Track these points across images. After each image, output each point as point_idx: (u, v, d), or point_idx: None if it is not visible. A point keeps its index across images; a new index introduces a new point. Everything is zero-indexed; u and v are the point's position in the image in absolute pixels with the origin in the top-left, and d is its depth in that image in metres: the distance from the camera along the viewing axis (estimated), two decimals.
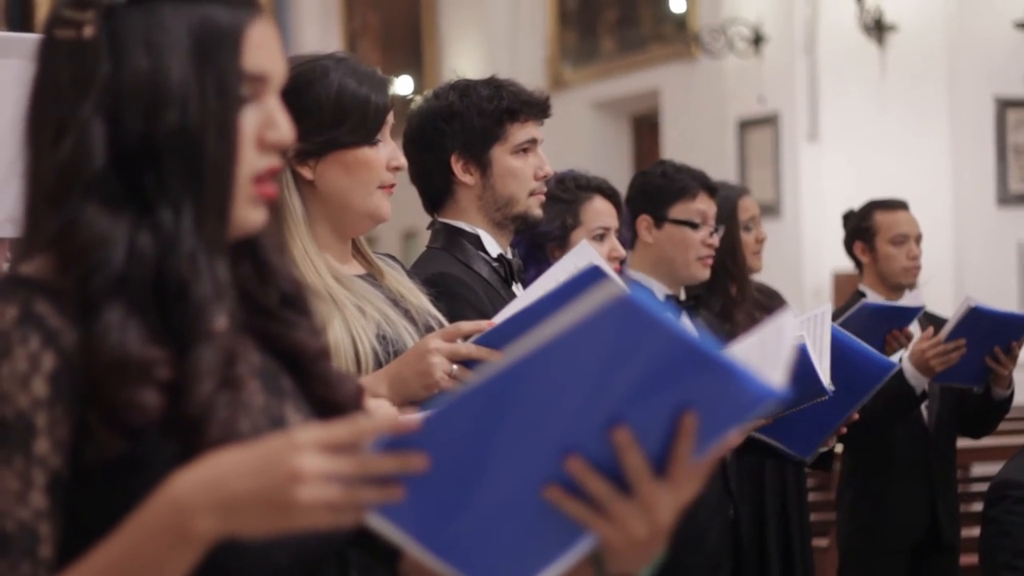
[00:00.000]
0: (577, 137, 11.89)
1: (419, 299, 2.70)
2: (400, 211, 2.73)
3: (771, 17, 10.09)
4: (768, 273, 4.96)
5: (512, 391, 1.28)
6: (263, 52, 1.52)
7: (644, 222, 4.11)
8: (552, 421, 1.32)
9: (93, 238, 1.43)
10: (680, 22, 11.24)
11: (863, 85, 9.57)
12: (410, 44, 14.68)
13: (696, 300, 4.21)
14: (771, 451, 3.76)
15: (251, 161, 1.51)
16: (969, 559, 5.04)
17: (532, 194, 3.14)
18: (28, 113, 1.51)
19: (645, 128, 12.33)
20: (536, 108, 3.15)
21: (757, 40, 10.13)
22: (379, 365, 2.53)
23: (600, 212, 3.73)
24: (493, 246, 3.13)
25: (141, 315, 1.43)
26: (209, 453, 1.36)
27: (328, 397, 1.61)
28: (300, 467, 1.29)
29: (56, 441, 1.40)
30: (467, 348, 2.44)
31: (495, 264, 3.12)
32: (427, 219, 3.23)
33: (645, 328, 1.28)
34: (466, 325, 2.49)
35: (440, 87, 3.19)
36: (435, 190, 3.16)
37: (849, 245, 5.07)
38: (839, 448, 4.82)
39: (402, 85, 13.22)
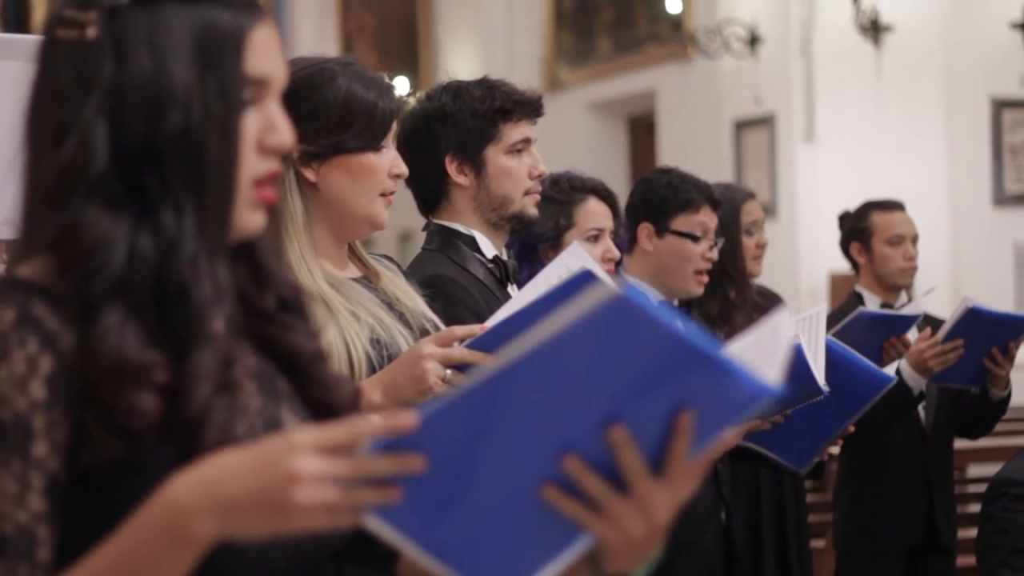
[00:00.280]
0: (573, 138, 11.90)
1: (414, 302, 2.70)
2: (396, 213, 2.73)
3: (767, 18, 10.09)
4: (764, 274, 4.95)
5: (508, 391, 1.29)
6: (265, 56, 1.52)
7: (645, 230, 4.09)
8: (548, 420, 1.32)
9: (94, 240, 1.43)
10: (676, 23, 11.24)
11: (859, 86, 9.57)
12: (406, 45, 14.68)
13: (688, 306, 4.21)
14: (765, 461, 3.76)
15: (252, 165, 1.51)
16: (966, 560, 5.05)
17: (527, 193, 3.14)
18: (28, 114, 1.51)
19: (641, 129, 12.33)
20: (529, 107, 3.15)
21: (753, 41, 10.14)
22: (373, 369, 2.53)
23: (594, 213, 3.72)
24: (488, 247, 3.14)
25: (140, 318, 1.43)
26: (206, 456, 1.36)
27: (324, 400, 1.61)
28: (297, 468, 1.29)
29: (54, 444, 1.40)
30: (460, 352, 2.45)
31: (490, 265, 3.12)
32: (423, 221, 3.23)
33: (641, 326, 1.28)
34: (459, 330, 2.49)
35: (432, 89, 3.20)
36: (430, 192, 3.16)
37: (845, 246, 5.07)
38: (835, 450, 4.83)
39: (398, 86, 13.21)
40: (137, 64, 1.46)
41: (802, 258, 9.63)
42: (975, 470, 6.87)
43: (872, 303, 4.95)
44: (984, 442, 5.72)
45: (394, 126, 2.66)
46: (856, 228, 5.01)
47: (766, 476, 4.47)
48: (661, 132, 11.45)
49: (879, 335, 4.53)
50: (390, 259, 2.83)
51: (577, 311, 1.26)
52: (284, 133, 1.53)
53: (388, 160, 2.65)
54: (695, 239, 4.05)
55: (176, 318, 1.45)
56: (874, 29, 9.47)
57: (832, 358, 3.55)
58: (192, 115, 1.46)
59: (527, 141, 3.14)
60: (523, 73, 11.71)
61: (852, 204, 5.18)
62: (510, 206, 3.13)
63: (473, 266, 3.10)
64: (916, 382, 4.50)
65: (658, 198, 4.11)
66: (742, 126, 10.37)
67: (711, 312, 4.41)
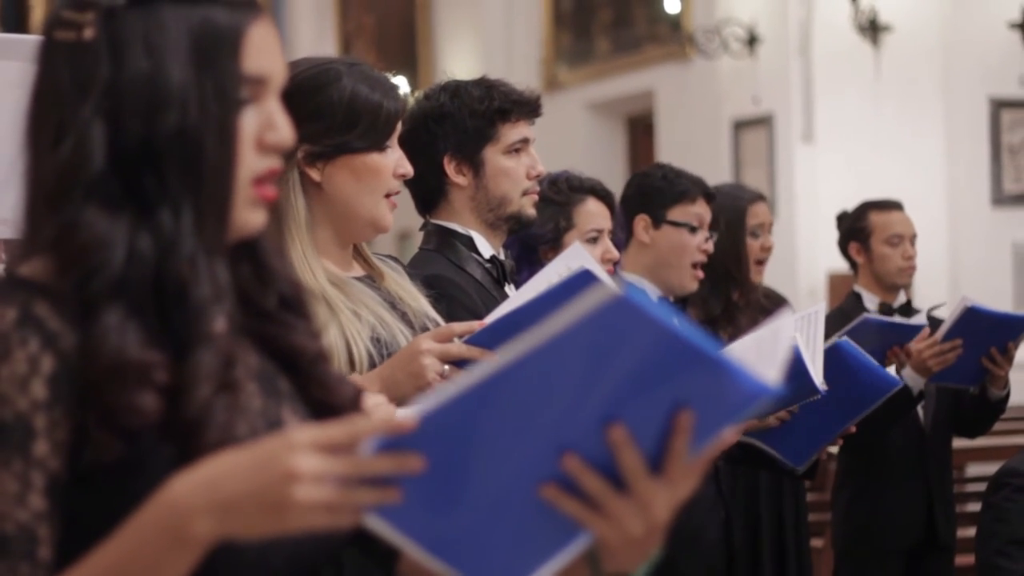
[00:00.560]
0: (572, 138, 11.90)
1: (417, 301, 2.70)
2: (394, 212, 2.73)
3: (765, 18, 10.09)
4: (763, 273, 4.95)
5: (508, 391, 1.29)
6: (263, 54, 1.52)
7: (642, 221, 4.10)
8: (548, 420, 1.32)
9: (92, 240, 1.43)
10: (674, 23, 11.24)
11: (858, 86, 9.58)
12: (405, 45, 14.68)
13: (683, 303, 4.21)
14: (763, 462, 3.77)
15: (251, 163, 1.51)
16: (965, 559, 5.05)
17: (525, 194, 3.15)
18: (28, 115, 1.51)
19: (640, 129, 12.33)
20: (527, 107, 3.15)
21: (752, 41, 10.14)
22: (373, 368, 2.53)
23: (593, 214, 3.72)
24: (486, 247, 3.14)
25: (140, 317, 1.43)
26: (207, 456, 1.36)
27: (326, 400, 1.61)
28: (296, 467, 1.29)
29: (55, 443, 1.40)
30: (458, 348, 2.45)
31: (488, 265, 3.12)
32: (420, 220, 3.23)
33: (640, 326, 1.28)
34: (458, 326, 2.49)
35: (431, 88, 3.20)
36: (428, 191, 3.16)
37: (844, 246, 5.07)
38: (834, 449, 4.83)
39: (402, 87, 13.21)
40: (133, 65, 1.46)
41: (801, 258, 9.63)
42: (974, 469, 6.88)
43: (871, 303, 4.95)
44: (983, 441, 5.73)
45: (399, 127, 2.67)
46: (854, 228, 5.01)
47: (765, 475, 4.47)
48: (660, 132, 11.45)
49: (883, 342, 4.52)
50: (395, 259, 2.84)
51: (577, 311, 1.26)
52: (283, 131, 1.53)
53: (393, 160, 2.66)
54: (692, 229, 4.07)
55: (176, 318, 1.45)
56: (872, 29, 9.47)
57: (843, 358, 3.56)
58: (189, 115, 1.46)
59: (525, 141, 3.14)
60: (522, 73, 11.72)
61: (851, 204, 5.18)
62: (508, 206, 3.13)
63: (470, 266, 3.10)
64: (915, 382, 4.50)
65: (654, 190, 4.13)
66: (741, 126, 10.37)
67: (714, 313, 4.40)
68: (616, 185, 4.18)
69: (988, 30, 9.32)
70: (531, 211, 3.17)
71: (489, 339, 2.44)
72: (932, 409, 4.85)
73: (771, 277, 4.74)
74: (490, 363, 1.27)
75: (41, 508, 1.39)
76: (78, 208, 1.44)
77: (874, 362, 3.75)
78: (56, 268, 1.45)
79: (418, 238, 3.23)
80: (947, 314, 4.65)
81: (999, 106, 9.47)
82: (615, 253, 3.71)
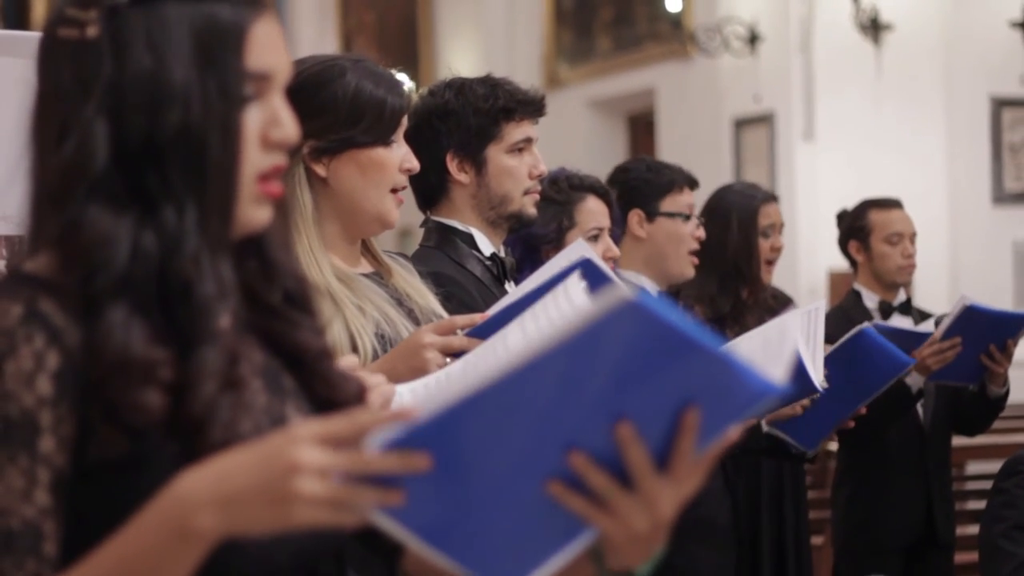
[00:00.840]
0: (573, 136, 11.89)
1: (425, 299, 2.71)
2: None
3: (767, 16, 10.09)
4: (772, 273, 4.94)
5: (518, 390, 1.29)
6: (267, 50, 1.52)
7: (636, 216, 4.12)
8: (556, 417, 1.32)
9: (96, 238, 1.43)
10: (676, 21, 11.24)
11: (859, 84, 9.58)
12: (406, 43, 14.67)
13: (676, 294, 4.24)
14: (768, 449, 3.78)
15: (255, 160, 1.51)
16: (964, 557, 5.05)
17: (527, 193, 3.15)
18: (32, 113, 1.51)
19: (641, 127, 12.33)
20: (532, 107, 3.16)
21: (753, 39, 10.14)
22: None
23: (594, 212, 3.73)
24: (486, 245, 3.14)
25: (144, 315, 1.44)
26: (211, 453, 1.36)
27: (330, 396, 1.62)
28: (299, 459, 1.29)
29: (60, 439, 1.40)
30: (460, 341, 2.45)
31: (488, 263, 3.13)
32: (421, 217, 3.23)
33: (649, 326, 1.29)
34: (460, 319, 2.49)
35: (436, 85, 3.20)
36: (430, 188, 3.16)
37: (844, 244, 5.07)
38: (834, 446, 4.83)
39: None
40: (136, 63, 1.46)
41: (801, 256, 9.63)
42: (974, 467, 6.88)
43: (870, 301, 4.96)
44: (983, 439, 5.73)
45: (404, 121, 2.68)
46: (854, 226, 5.01)
47: (767, 473, 4.47)
48: (660, 130, 11.45)
49: None
50: (405, 256, 2.84)
51: (587, 314, 1.26)
52: (288, 127, 1.53)
53: (399, 155, 2.66)
54: (686, 218, 4.10)
55: (181, 315, 1.45)
56: (874, 28, 9.47)
57: (865, 345, 3.59)
58: (192, 113, 1.46)
59: (529, 141, 3.15)
60: (523, 71, 11.72)
61: (851, 202, 5.18)
62: (509, 205, 3.13)
63: (471, 263, 3.10)
64: (914, 380, 4.50)
65: (642, 183, 4.16)
66: (741, 124, 10.37)
67: (723, 311, 4.41)
68: None
69: (989, 29, 9.32)
70: (532, 210, 3.17)
71: (492, 330, 2.45)
72: (932, 407, 4.85)
73: (772, 275, 4.74)
74: (501, 363, 1.27)
75: (46, 504, 1.40)
76: (82, 206, 1.44)
77: (892, 345, 3.78)
78: (61, 265, 1.45)
79: (419, 235, 3.23)
80: (937, 301, 4.66)
81: (1000, 105, 9.47)
82: (616, 250, 3.72)
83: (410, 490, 1.31)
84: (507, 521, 1.37)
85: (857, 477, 4.93)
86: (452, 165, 3.12)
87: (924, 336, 4.49)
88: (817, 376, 3.39)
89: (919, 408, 4.80)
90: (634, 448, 1.35)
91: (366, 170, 2.64)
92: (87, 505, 1.42)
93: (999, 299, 8.27)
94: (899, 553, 4.87)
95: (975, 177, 9.48)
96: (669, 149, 10.89)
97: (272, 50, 1.53)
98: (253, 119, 1.51)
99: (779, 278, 4.74)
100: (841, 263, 5.54)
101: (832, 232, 5.19)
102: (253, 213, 1.52)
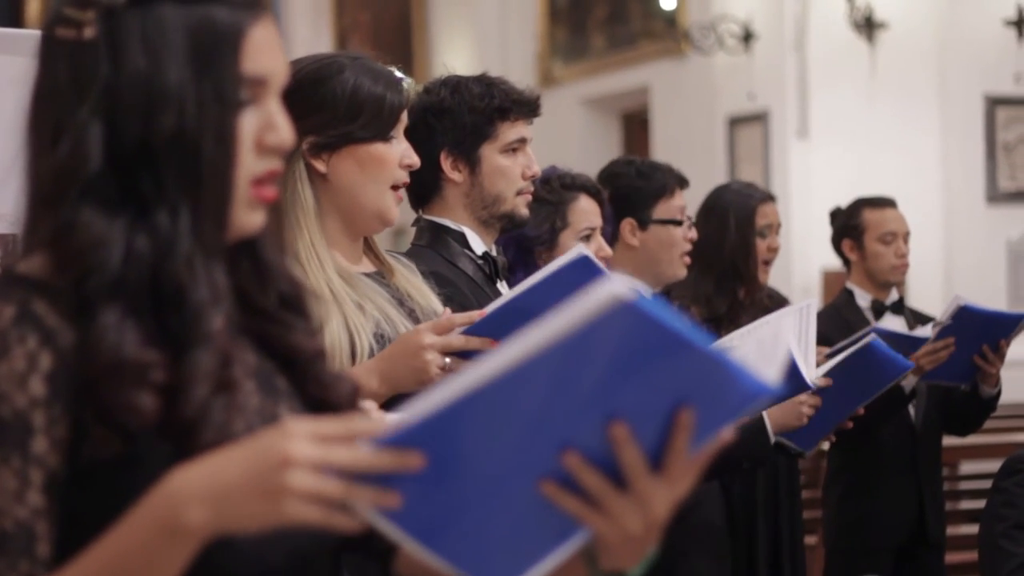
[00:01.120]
0: (567, 134, 11.89)
1: (427, 299, 2.71)
2: None
3: (761, 14, 10.09)
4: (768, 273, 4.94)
5: (511, 391, 1.29)
6: (264, 54, 1.51)
7: (628, 225, 4.10)
8: (549, 417, 1.32)
9: (89, 240, 1.43)
10: (670, 19, 11.24)
11: (853, 82, 9.57)
12: (400, 41, 14.66)
13: (667, 293, 4.24)
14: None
15: (249, 164, 1.51)
16: (955, 557, 5.07)
17: (519, 193, 3.15)
18: (28, 113, 1.51)
19: (635, 125, 12.33)
20: (527, 107, 3.16)
21: (747, 37, 10.14)
22: None
23: (586, 212, 3.73)
24: (478, 244, 3.14)
25: (138, 317, 1.44)
26: (205, 455, 1.36)
27: (323, 398, 1.62)
28: (292, 452, 1.29)
29: (53, 440, 1.40)
30: (459, 340, 2.46)
31: (480, 262, 3.13)
32: (413, 216, 3.23)
33: (643, 327, 1.29)
34: (458, 317, 2.49)
35: (431, 82, 3.19)
36: (422, 186, 3.16)
37: (837, 243, 5.07)
38: (826, 446, 4.83)
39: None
40: (131, 65, 1.46)
41: (795, 255, 9.63)
42: (967, 467, 6.89)
43: (863, 300, 4.96)
44: (976, 439, 5.74)
45: (404, 118, 2.68)
46: (848, 225, 5.01)
47: (762, 473, 4.47)
48: (655, 128, 11.45)
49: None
50: (408, 255, 2.84)
51: (579, 314, 1.26)
52: (283, 132, 1.53)
53: (399, 151, 2.67)
54: (678, 223, 4.09)
55: (174, 318, 1.45)
56: (868, 26, 9.47)
57: (872, 355, 3.60)
58: (186, 116, 1.46)
59: (523, 141, 3.14)
60: (517, 69, 11.71)
61: (845, 201, 5.17)
62: (502, 205, 3.13)
63: (463, 262, 3.10)
64: (908, 380, 4.50)
65: (633, 190, 4.12)
66: (736, 122, 10.37)
67: (719, 311, 4.39)
68: None
69: (984, 27, 9.31)
70: (524, 211, 3.17)
71: (489, 328, 2.45)
72: (923, 407, 4.85)
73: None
74: (492, 363, 1.27)
75: (40, 505, 1.40)
76: (75, 208, 1.44)
77: (892, 351, 3.80)
78: (54, 266, 1.45)
79: (411, 234, 3.23)
80: (931, 301, 4.67)
81: (994, 103, 9.47)
82: (608, 250, 3.73)
83: (404, 490, 1.31)
84: (500, 521, 1.37)
85: (848, 477, 4.93)
86: (446, 163, 3.12)
87: (921, 341, 4.49)
88: (809, 374, 3.40)
89: (911, 408, 4.80)
90: (628, 448, 1.35)
91: (365, 165, 2.64)
92: (81, 506, 1.42)
93: (993, 298, 8.27)
94: (890, 552, 4.87)
95: (969, 176, 9.48)
96: (663, 147, 10.89)
97: (268, 54, 1.52)
98: (248, 123, 1.50)
99: (773, 277, 4.73)
100: (835, 262, 5.54)
101: (826, 230, 5.18)
102: (247, 217, 1.52)
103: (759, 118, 10.11)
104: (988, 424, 5.08)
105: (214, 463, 1.33)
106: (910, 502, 4.85)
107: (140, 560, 1.34)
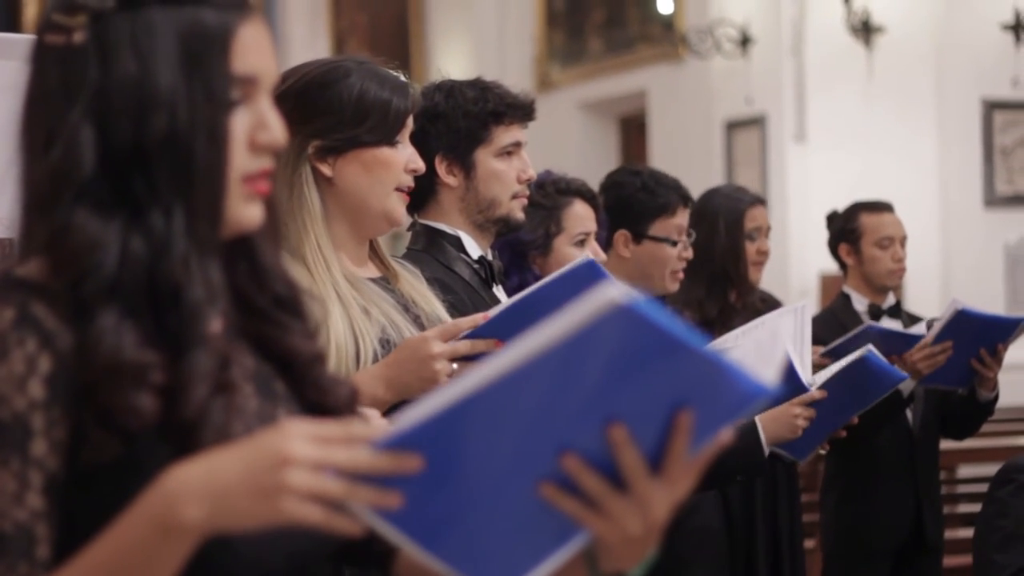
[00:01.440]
0: (564, 138, 11.90)
1: (431, 305, 2.71)
2: None
3: (758, 18, 10.09)
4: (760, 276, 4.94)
5: (510, 394, 1.29)
6: (253, 53, 1.52)
7: (622, 237, 4.07)
8: (548, 420, 1.33)
9: (84, 243, 1.44)
10: (667, 23, 11.24)
11: (850, 87, 9.58)
12: (398, 44, 14.66)
13: (663, 299, 4.23)
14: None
15: (242, 163, 1.51)
16: (953, 561, 5.06)
17: (515, 197, 3.15)
18: (21, 118, 1.52)
19: (632, 129, 12.33)
20: (521, 111, 3.16)
21: (744, 41, 10.14)
22: None
23: (581, 217, 3.72)
24: (474, 248, 3.14)
25: (135, 318, 1.44)
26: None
27: (321, 401, 1.62)
28: (290, 451, 1.29)
29: (53, 443, 1.41)
30: (466, 346, 2.46)
31: (476, 266, 3.13)
32: (409, 221, 3.23)
33: (641, 330, 1.29)
34: (464, 322, 2.50)
35: (426, 87, 3.19)
36: (418, 191, 3.14)
37: (834, 247, 5.06)
38: (822, 450, 4.83)
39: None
40: (122, 68, 1.47)
41: (792, 258, 9.63)
42: (965, 470, 6.89)
43: (860, 304, 4.96)
44: (974, 443, 5.74)
45: (410, 123, 2.69)
46: (845, 229, 5.01)
47: (761, 478, 4.47)
48: (652, 132, 11.45)
49: (885, 351, 4.52)
50: (404, 260, 2.85)
51: (578, 317, 1.27)
52: (275, 130, 1.53)
53: (404, 156, 2.68)
54: (672, 243, 4.06)
55: (171, 319, 1.46)
56: (865, 30, 9.47)
57: (866, 368, 3.61)
58: (178, 118, 1.46)
59: (517, 145, 3.15)
60: (514, 73, 11.72)
61: (843, 205, 5.17)
62: (497, 209, 3.13)
63: (458, 266, 3.10)
64: (905, 384, 4.50)
65: (635, 203, 4.07)
66: (733, 126, 10.37)
67: (710, 314, 4.39)
68: None
69: (981, 32, 9.32)
70: (519, 215, 3.17)
71: (494, 332, 2.45)
72: (921, 411, 4.85)
73: (763, 277, 4.74)
74: (491, 366, 1.28)
75: (39, 507, 1.40)
76: (69, 211, 1.45)
77: (888, 364, 3.80)
78: (51, 269, 1.45)
79: (407, 238, 3.23)
80: (929, 305, 4.67)
81: (991, 107, 9.48)
82: (602, 255, 3.72)
83: (403, 492, 1.31)
84: (500, 524, 1.37)
85: (846, 481, 4.93)
86: (440, 168, 3.12)
87: (916, 338, 4.49)
88: (806, 376, 3.40)
89: (908, 412, 4.80)
90: (627, 450, 1.36)
91: (371, 169, 2.65)
92: (80, 509, 1.42)
93: (991, 302, 8.27)
94: (887, 556, 4.87)
95: (967, 180, 9.48)
96: (660, 151, 10.90)
97: (258, 53, 1.53)
98: (240, 123, 1.51)
99: (770, 281, 4.74)
100: (833, 266, 5.54)
101: (823, 234, 5.18)
102: (243, 212, 1.52)
103: (756, 122, 10.11)
104: (986, 428, 5.08)
105: (212, 461, 1.34)
106: (908, 506, 4.85)
107: (137, 557, 1.35)
